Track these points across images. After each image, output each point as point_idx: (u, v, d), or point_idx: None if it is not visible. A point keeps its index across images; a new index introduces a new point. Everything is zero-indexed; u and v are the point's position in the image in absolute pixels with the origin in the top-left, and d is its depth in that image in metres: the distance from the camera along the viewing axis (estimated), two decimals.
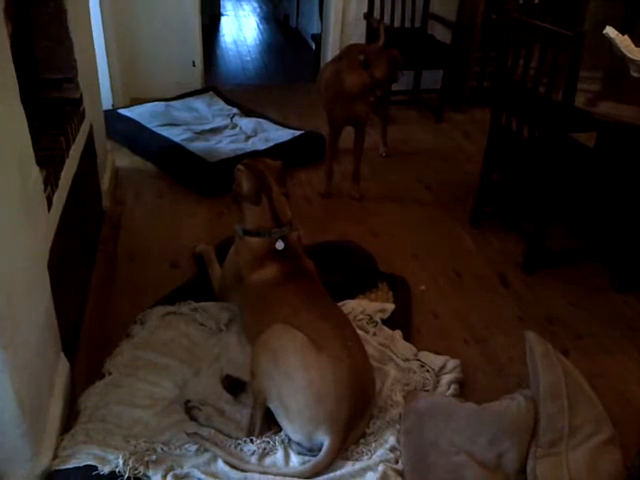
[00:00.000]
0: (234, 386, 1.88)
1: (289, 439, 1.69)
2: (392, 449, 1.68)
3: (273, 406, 1.69)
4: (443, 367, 2.01)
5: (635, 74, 2.60)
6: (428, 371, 1.98)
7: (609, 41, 2.66)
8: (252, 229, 2.06)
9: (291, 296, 1.90)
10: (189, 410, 1.78)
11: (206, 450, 1.64)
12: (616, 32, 2.67)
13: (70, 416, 1.73)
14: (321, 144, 3.55)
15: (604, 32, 2.68)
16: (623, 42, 2.62)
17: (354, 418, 1.66)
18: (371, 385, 1.79)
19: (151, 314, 2.12)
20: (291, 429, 1.66)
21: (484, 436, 1.61)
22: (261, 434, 1.72)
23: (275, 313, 1.85)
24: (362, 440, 1.71)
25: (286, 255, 2.03)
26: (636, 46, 2.64)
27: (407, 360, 2.03)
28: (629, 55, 2.61)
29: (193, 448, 1.64)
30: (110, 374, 1.85)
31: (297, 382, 1.64)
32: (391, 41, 3.75)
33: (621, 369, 2.16)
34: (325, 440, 1.61)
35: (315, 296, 1.95)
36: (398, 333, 2.15)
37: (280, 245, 2.02)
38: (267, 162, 2.14)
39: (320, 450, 1.62)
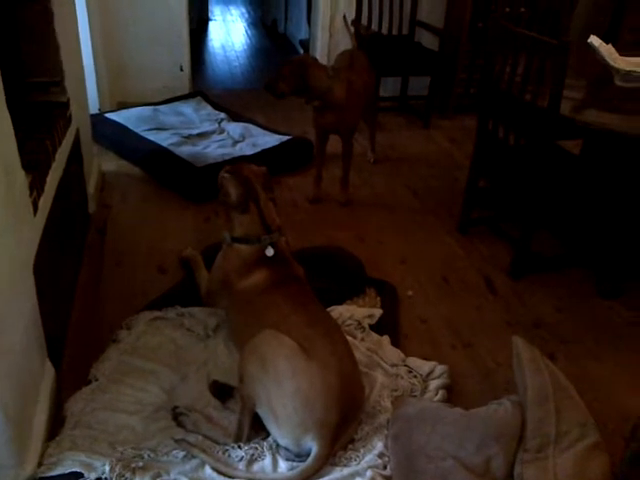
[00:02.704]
0: (222, 392, 1.87)
1: (277, 445, 1.69)
2: (380, 455, 1.67)
3: (261, 411, 1.68)
4: (431, 373, 2.01)
5: (619, 83, 2.63)
6: (416, 377, 1.99)
7: (593, 49, 2.69)
8: (240, 236, 2.05)
9: (280, 302, 1.89)
10: (176, 416, 1.77)
11: (193, 457, 1.63)
12: (600, 41, 2.71)
13: (56, 422, 1.71)
14: (309, 149, 3.56)
15: (588, 41, 2.71)
16: (607, 51, 2.66)
17: (343, 424, 1.65)
18: (360, 391, 1.79)
19: (138, 319, 2.11)
20: (279, 434, 1.66)
21: (472, 441, 1.62)
22: (249, 440, 1.71)
23: (264, 319, 1.84)
24: (350, 446, 1.70)
25: (275, 261, 2.02)
26: (620, 55, 2.68)
27: (395, 366, 2.03)
28: (613, 64, 2.65)
29: (180, 454, 1.63)
30: (96, 380, 1.84)
31: (286, 388, 1.63)
32: (374, 45, 3.81)
33: (607, 374, 2.18)
34: (313, 446, 1.61)
35: (304, 302, 1.94)
36: (386, 339, 2.15)
37: (270, 252, 2.01)
38: (252, 168, 2.12)
39: (308, 456, 1.61)
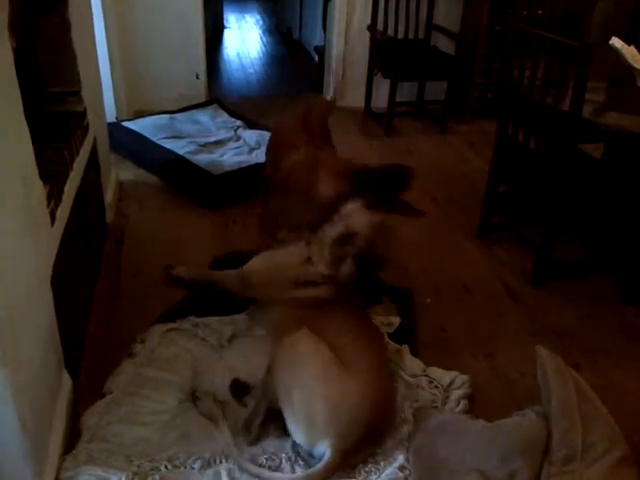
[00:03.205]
0: (240, 390, 1.86)
1: (296, 456, 1.67)
2: (401, 468, 1.64)
3: (285, 404, 1.66)
4: (452, 383, 1.98)
5: None
6: (437, 387, 1.95)
7: (615, 51, 2.64)
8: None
9: (338, 313, 1.86)
10: (194, 400, 1.81)
11: (209, 467, 1.61)
12: (622, 42, 2.66)
13: (73, 434, 1.70)
14: None
15: (610, 43, 2.66)
16: (629, 53, 2.61)
17: (364, 440, 1.63)
18: (390, 411, 1.77)
19: (152, 332, 2.09)
20: (296, 430, 1.65)
21: (495, 454, 1.58)
22: (256, 430, 1.72)
23: (318, 325, 1.79)
24: (371, 459, 1.67)
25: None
26: None
27: (415, 376, 1.99)
28: (635, 66, 2.60)
29: (197, 465, 1.62)
30: (111, 393, 1.82)
31: (317, 390, 1.62)
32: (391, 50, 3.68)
33: (632, 383, 2.13)
34: (326, 453, 1.58)
35: (359, 314, 1.94)
36: (405, 348, 2.12)
37: None
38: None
39: (317, 458, 1.61)
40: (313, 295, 1.93)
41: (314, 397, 1.62)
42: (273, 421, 1.75)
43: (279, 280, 2.02)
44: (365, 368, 1.70)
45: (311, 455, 1.66)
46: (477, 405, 1.96)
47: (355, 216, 1.89)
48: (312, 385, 1.64)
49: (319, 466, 1.58)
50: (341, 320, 1.85)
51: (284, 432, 1.73)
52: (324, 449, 1.59)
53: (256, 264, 2.15)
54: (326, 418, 1.60)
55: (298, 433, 1.65)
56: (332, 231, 1.89)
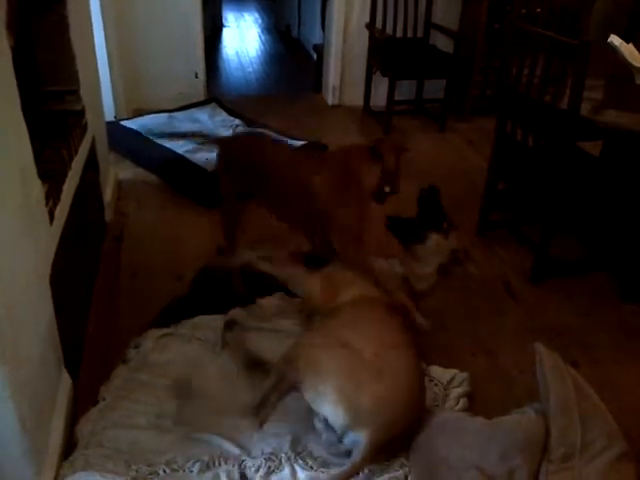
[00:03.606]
0: (254, 363, 1.90)
1: (295, 455, 1.67)
2: (401, 465, 1.65)
3: (321, 386, 1.65)
4: (451, 381, 1.98)
5: None
6: (437, 385, 1.95)
7: (614, 49, 2.64)
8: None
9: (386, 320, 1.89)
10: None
11: (208, 469, 1.61)
12: (620, 40, 2.66)
13: (72, 435, 1.70)
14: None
15: (608, 41, 2.66)
16: (628, 50, 2.61)
17: (394, 442, 1.65)
18: (420, 420, 1.77)
19: (146, 337, 2.08)
20: (336, 411, 1.63)
21: (494, 452, 1.58)
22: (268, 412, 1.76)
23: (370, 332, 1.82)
24: None
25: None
26: None
27: None
28: (634, 63, 2.60)
29: (196, 468, 1.61)
30: (104, 399, 1.82)
31: (367, 381, 1.64)
32: (389, 48, 3.70)
33: (630, 380, 2.13)
34: (361, 442, 1.59)
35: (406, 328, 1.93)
36: None
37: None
38: None
39: (345, 444, 1.64)
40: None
41: (361, 385, 1.63)
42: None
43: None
44: (407, 370, 1.73)
45: (340, 440, 1.66)
46: (476, 402, 1.96)
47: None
48: (358, 373, 1.65)
49: (356, 458, 1.58)
50: (389, 321, 1.88)
51: (281, 430, 1.74)
52: (359, 438, 1.60)
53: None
54: (372, 408, 1.60)
55: (338, 418, 1.63)
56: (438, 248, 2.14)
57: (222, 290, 2.36)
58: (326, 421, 1.67)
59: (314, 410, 1.69)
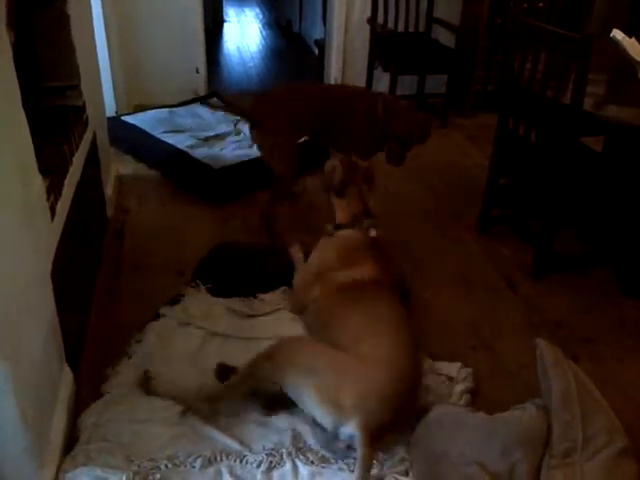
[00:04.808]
0: (225, 372, 1.87)
1: (297, 451, 1.66)
2: (402, 460, 1.65)
3: (301, 388, 1.67)
4: (457, 375, 1.99)
5: None
6: (444, 382, 1.96)
7: (616, 44, 2.63)
8: (344, 222, 2.16)
9: (378, 302, 1.92)
10: (147, 381, 1.83)
11: (210, 465, 1.61)
12: (623, 35, 2.64)
13: (74, 427, 1.71)
14: (325, 149, 3.53)
15: (611, 35, 2.65)
16: (630, 45, 2.59)
17: (388, 426, 1.64)
18: (415, 401, 1.78)
19: (147, 331, 2.09)
20: (322, 410, 1.64)
21: (496, 447, 1.58)
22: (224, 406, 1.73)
23: (355, 317, 1.86)
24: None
25: (381, 255, 2.08)
26: None
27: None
28: (636, 58, 2.58)
29: (198, 464, 1.61)
30: (108, 393, 1.82)
31: (344, 372, 1.66)
32: (391, 43, 3.70)
33: (632, 375, 2.13)
34: (355, 435, 1.58)
35: (398, 308, 1.96)
36: None
37: (373, 232, 2.11)
38: (357, 160, 2.29)
39: (343, 440, 1.64)
40: (356, 274, 1.99)
41: (339, 380, 1.63)
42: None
43: (320, 268, 2.13)
44: (392, 352, 1.73)
45: (335, 437, 1.66)
46: (477, 397, 1.96)
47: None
48: (336, 370, 1.66)
49: (360, 450, 1.56)
50: (376, 305, 1.90)
51: (282, 426, 1.74)
52: (351, 430, 1.60)
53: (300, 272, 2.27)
54: (353, 398, 1.60)
55: (324, 415, 1.64)
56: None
57: (231, 271, 2.41)
58: (315, 420, 1.69)
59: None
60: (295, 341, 1.84)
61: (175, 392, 1.79)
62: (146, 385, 1.82)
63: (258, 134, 2.69)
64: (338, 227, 2.18)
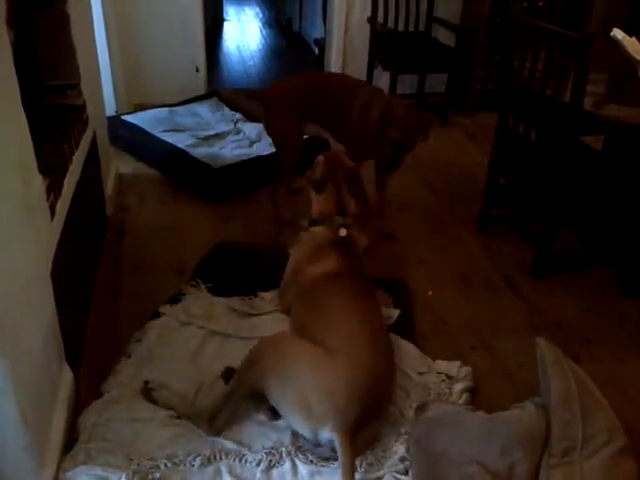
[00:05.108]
0: (231, 374, 1.86)
1: (296, 449, 1.67)
2: (402, 459, 1.65)
3: (279, 400, 1.67)
4: (457, 374, 1.99)
5: None
6: (444, 381, 1.96)
7: (616, 43, 2.63)
8: (316, 217, 2.15)
9: (335, 295, 1.91)
10: (148, 391, 1.80)
11: (209, 464, 1.61)
12: (623, 34, 2.64)
13: (74, 427, 1.71)
14: (324, 148, 3.53)
15: (611, 34, 2.65)
16: (631, 44, 2.59)
17: (365, 418, 1.62)
18: (389, 389, 1.78)
19: (147, 329, 2.09)
20: (297, 421, 1.65)
21: (495, 446, 1.58)
22: (224, 419, 1.71)
23: (317, 309, 1.87)
24: (370, 451, 1.68)
25: (346, 252, 2.06)
26: None
27: (421, 374, 1.99)
28: (637, 57, 2.58)
29: (197, 463, 1.61)
30: (108, 392, 1.82)
31: (307, 379, 1.63)
32: (391, 42, 3.69)
33: (632, 374, 2.13)
34: (334, 438, 1.58)
35: (359, 298, 1.93)
36: (412, 347, 2.10)
37: (343, 232, 2.08)
38: (344, 159, 2.28)
39: (326, 446, 1.63)
40: (321, 269, 1.99)
41: (306, 386, 1.62)
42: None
43: (296, 265, 2.15)
44: (359, 345, 1.71)
45: (318, 444, 1.65)
46: (477, 396, 1.97)
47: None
48: (302, 375, 1.64)
49: (341, 452, 1.55)
50: (343, 302, 1.88)
51: (281, 425, 1.74)
52: (329, 434, 1.59)
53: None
54: (321, 402, 1.59)
55: (299, 424, 1.65)
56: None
57: (231, 270, 2.42)
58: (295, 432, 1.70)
59: None
60: (270, 344, 1.77)
61: (175, 403, 1.78)
62: (147, 396, 1.81)
63: (265, 113, 2.81)
64: (312, 223, 2.17)
